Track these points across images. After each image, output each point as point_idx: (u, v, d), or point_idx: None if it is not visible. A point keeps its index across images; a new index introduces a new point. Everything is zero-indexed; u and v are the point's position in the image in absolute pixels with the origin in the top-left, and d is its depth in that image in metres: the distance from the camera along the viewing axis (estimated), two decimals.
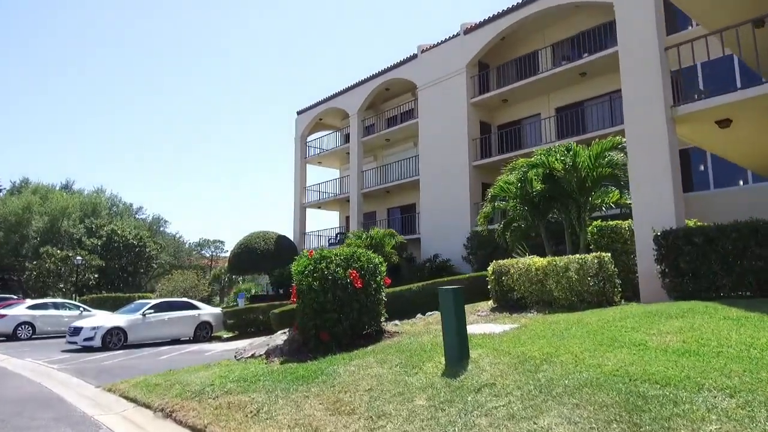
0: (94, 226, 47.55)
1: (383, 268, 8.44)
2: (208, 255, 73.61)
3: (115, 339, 15.55)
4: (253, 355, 8.64)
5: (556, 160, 11.43)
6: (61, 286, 39.29)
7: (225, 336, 18.47)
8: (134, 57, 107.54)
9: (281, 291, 30.41)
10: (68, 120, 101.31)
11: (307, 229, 34.62)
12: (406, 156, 28.97)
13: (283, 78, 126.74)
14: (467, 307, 10.71)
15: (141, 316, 16.33)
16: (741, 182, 17.57)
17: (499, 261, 9.24)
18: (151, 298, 29.06)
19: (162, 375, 8.68)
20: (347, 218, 34.06)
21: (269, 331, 18.26)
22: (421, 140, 26.61)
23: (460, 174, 24.17)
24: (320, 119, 34.84)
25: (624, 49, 9.55)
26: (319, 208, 35.37)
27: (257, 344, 9.34)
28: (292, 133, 36.41)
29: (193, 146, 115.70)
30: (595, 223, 10.31)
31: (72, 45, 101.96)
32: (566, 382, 4.39)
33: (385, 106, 31.57)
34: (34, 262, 39.60)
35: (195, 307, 18.09)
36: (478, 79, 24.95)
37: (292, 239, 32.60)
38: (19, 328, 19.35)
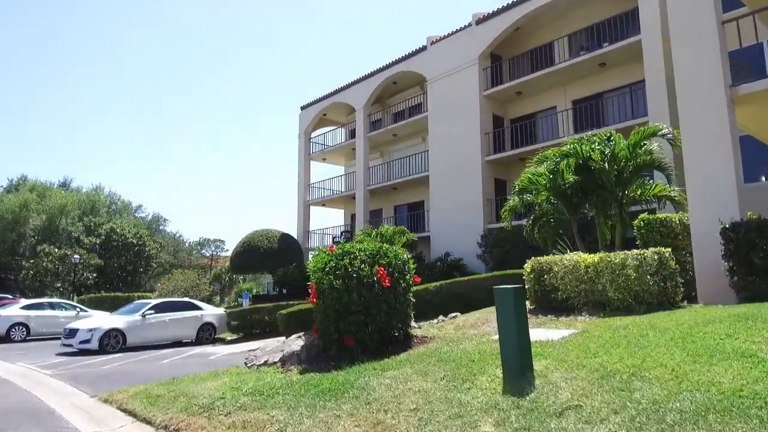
0: (92, 224, 46.61)
1: (412, 265, 7.53)
2: (208, 254, 72.72)
3: (113, 341, 14.63)
4: (266, 362, 7.73)
5: (592, 149, 10.52)
6: (59, 285, 38.36)
7: (229, 338, 17.56)
8: (132, 51, 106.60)
9: (284, 291, 29.55)
10: (67, 118, 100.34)
11: (311, 228, 33.71)
12: (415, 152, 28.06)
13: (286, 72, 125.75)
14: None
15: (141, 317, 15.41)
16: (763, 178, 16.71)
17: (539, 258, 8.35)
18: (150, 297, 28.15)
19: (165, 384, 7.77)
20: (352, 216, 33.16)
21: (275, 333, 17.36)
22: (430, 135, 25.71)
23: (472, 169, 23.27)
24: (324, 114, 33.93)
25: (676, 23, 8.64)
26: (324, 206, 34.47)
27: (270, 350, 8.43)
28: (295, 130, 35.51)
29: (193, 144, 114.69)
30: (642, 216, 9.42)
31: (71, 41, 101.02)
32: (678, 405, 3.49)
33: (392, 101, 30.66)
34: (31, 261, 38.67)
35: (197, 308, 17.17)
36: (491, 71, 24.04)
37: (295, 237, 31.71)
38: (13, 330, 18.44)
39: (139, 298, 28.71)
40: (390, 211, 30.16)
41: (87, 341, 14.31)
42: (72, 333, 14.64)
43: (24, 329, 18.67)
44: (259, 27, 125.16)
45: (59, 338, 15.68)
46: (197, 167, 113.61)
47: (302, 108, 34.71)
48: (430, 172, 25.41)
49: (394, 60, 28.28)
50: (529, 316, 7.85)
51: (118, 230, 44.20)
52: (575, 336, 5.79)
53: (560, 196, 10.79)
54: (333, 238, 33.12)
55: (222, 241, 75.02)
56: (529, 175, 11.25)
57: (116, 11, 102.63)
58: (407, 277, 7.40)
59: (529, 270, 8.33)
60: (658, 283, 7.17)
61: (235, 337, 17.58)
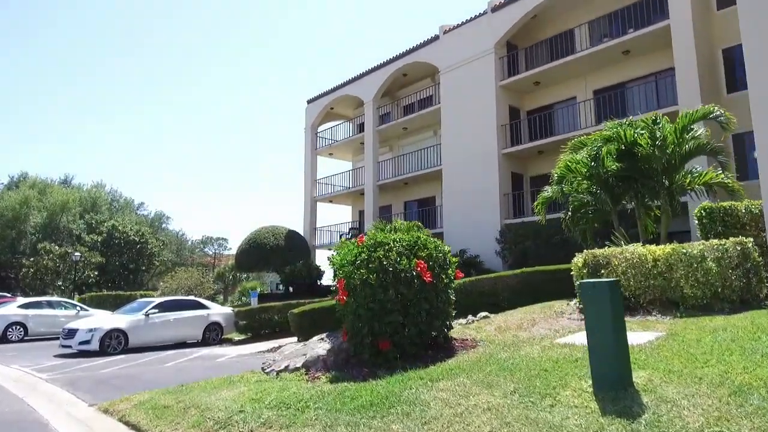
0: (94, 222, 45.83)
1: (454, 259, 6.61)
2: (210, 253, 72.00)
3: (114, 342, 13.76)
4: (287, 368, 6.83)
5: (639, 133, 9.62)
6: (60, 283, 37.59)
7: (236, 338, 16.67)
8: (135, 45, 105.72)
9: (291, 289, 28.64)
10: (69, 115, 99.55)
11: (318, 224, 32.80)
12: (426, 145, 27.14)
13: (291, 65, 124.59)
14: (539, 307, 8.93)
15: (144, 317, 14.53)
16: None
17: (593, 251, 7.43)
18: (153, 296, 27.28)
19: (172, 392, 6.88)
20: (360, 212, 32.28)
21: (285, 333, 16.48)
22: (443, 127, 24.79)
23: (488, 163, 22.34)
24: (331, 108, 33.02)
25: None
26: (331, 202, 33.57)
27: (289, 353, 7.52)
28: (299, 124, 34.63)
29: (196, 141, 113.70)
30: (704, 204, 8.52)
31: (73, 37, 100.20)
32: None
33: (402, 93, 29.74)
34: (32, 259, 37.87)
35: (204, 306, 16.27)
36: (507, 61, 23.12)
37: (302, 234, 30.82)
38: (10, 329, 17.59)
39: (141, 296, 27.89)
40: (400, 207, 29.26)
41: (87, 342, 13.44)
42: (71, 333, 13.78)
43: (21, 329, 17.81)
44: (263, 18, 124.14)
45: (59, 338, 14.82)
46: (200, 164, 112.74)
47: (308, 102, 33.81)
48: (443, 166, 24.50)
49: (404, 51, 27.35)
50: (580, 316, 6.95)
51: (119, 228, 43.41)
52: (665, 340, 4.88)
53: (603, 185, 9.87)
54: (340, 235, 32.24)
55: (225, 240, 74.28)
56: (567, 163, 10.32)
57: (118, 6, 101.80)
58: (449, 271, 6.48)
59: (580, 264, 7.41)
60: (741, 278, 6.26)
61: (242, 337, 16.69)
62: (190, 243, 64.45)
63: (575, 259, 7.62)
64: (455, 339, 6.86)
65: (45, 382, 9.65)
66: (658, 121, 9.75)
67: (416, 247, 6.29)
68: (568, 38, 21.76)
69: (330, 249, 32.41)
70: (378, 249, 6.21)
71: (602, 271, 7.00)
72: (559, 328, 6.38)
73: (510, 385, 4.36)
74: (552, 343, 5.58)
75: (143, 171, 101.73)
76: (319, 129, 33.80)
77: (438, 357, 6.00)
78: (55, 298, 21.38)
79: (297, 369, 6.72)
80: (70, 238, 44.15)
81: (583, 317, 6.97)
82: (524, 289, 11.85)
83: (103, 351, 13.42)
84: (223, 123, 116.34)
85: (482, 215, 21.98)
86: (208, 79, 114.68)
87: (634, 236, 11.01)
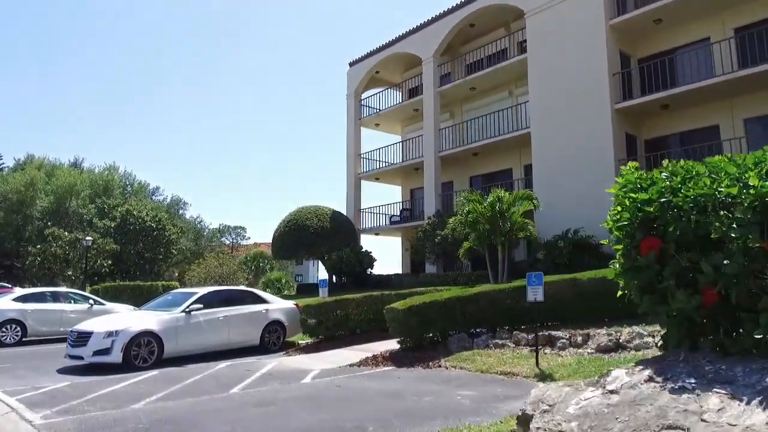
0: (106, 206, 41.80)
1: None
2: (228, 242, 68.25)
3: (144, 351, 9.57)
4: None
5: None
6: (70, 273, 33.58)
7: (302, 343, 12.43)
8: (149, 16, 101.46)
9: (334, 279, 24.47)
10: (78, 95, 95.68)
11: (363, 205, 28.49)
12: (498, 108, 22.72)
13: (327, 28, 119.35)
14: None
15: (184, 314, 10.31)
16: None
17: None
18: (176, 287, 23.22)
19: None
20: (412, 191, 28.00)
21: (368, 336, 12.15)
22: (531, 81, 20.35)
23: (597, 122, 17.93)
24: (377, 72, 28.66)
25: None
26: (377, 180, 29.26)
27: (592, 404, 3.19)
28: (331, 95, 30.17)
29: (212, 117, 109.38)
30: None
31: (84, 12, 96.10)
32: None
33: (466, 49, 25.27)
34: (38, 246, 33.91)
35: (261, 300, 12.02)
36: None
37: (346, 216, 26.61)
38: (3, 329, 13.52)
39: (163, 287, 23.83)
40: (464, 184, 24.85)
41: (105, 351, 9.30)
42: (82, 338, 9.61)
43: (18, 328, 13.74)
44: None
45: (65, 339, 10.65)
46: (217, 146, 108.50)
47: (351, 64, 29.46)
48: (532, 128, 20.08)
49: None
50: None
51: (134, 213, 39.27)
52: None
53: None
54: (390, 218, 28.02)
55: (243, 228, 70.69)
56: None
57: None
58: None
59: None
60: None
61: (309, 340, 12.43)
62: (206, 231, 60.44)
63: None
64: None
65: None
66: None
67: None
68: None
69: (377, 234, 28.40)
70: None
71: None
72: None
73: None
74: None
75: (158, 152, 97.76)
76: (363, 96, 29.43)
77: None
78: (62, 289, 17.27)
79: None
80: (80, 223, 40.19)
81: None
82: None
83: (129, 364, 9.28)
84: (240, 98, 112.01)
85: (588, 186, 17.34)
86: (226, 39, 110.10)
87: None
